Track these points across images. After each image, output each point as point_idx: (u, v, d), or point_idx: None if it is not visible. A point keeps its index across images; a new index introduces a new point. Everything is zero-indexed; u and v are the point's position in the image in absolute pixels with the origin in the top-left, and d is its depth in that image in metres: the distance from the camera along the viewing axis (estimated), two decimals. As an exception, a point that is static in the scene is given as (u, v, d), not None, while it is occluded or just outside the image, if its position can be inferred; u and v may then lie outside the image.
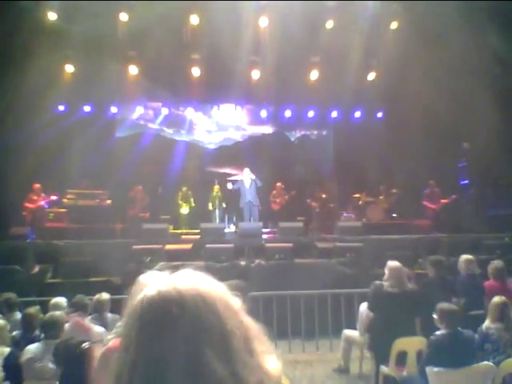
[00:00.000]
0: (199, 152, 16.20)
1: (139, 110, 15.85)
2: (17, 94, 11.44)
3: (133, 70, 13.58)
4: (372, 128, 15.21)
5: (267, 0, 12.30)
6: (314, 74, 14.28)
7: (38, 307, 5.19)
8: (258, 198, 12.71)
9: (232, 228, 13.16)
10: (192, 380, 0.83)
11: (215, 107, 16.10)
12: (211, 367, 0.84)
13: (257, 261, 9.32)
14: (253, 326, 0.95)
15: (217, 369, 0.84)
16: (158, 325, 0.86)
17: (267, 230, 12.66)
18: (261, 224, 11.49)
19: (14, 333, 4.90)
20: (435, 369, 4.31)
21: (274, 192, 13.57)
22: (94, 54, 12.00)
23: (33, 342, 4.34)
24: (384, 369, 5.20)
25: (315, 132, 17.18)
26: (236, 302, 0.96)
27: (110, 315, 5.51)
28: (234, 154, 15.99)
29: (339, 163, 15.57)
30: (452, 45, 11.35)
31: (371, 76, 14.43)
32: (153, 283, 0.94)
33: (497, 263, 6.33)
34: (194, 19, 12.64)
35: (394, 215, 13.45)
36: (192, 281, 0.93)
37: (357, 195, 13.97)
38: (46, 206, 12.00)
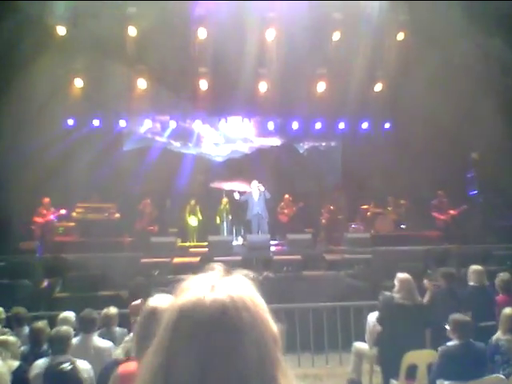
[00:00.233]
0: (206, 165, 16.21)
1: (147, 124, 15.91)
2: (26, 108, 11.58)
3: (141, 83, 13.68)
4: (380, 139, 15.19)
5: (274, 9, 12.36)
6: (321, 86, 14.30)
7: (45, 321, 5.18)
8: (267, 210, 12.68)
9: (240, 240, 13.14)
10: None
11: (222, 120, 16.14)
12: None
13: (265, 273, 9.28)
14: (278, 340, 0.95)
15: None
16: (212, 333, 0.86)
17: (275, 242, 12.62)
18: (269, 236, 11.47)
19: (23, 348, 4.89)
20: (446, 382, 4.26)
21: (282, 204, 13.55)
22: (102, 68, 12.11)
23: (41, 357, 4.29)
24: (394, 382, 5.14)
25: (323, 143, 17.16)
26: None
27: (118, 329, 5.50)
28: (241, 166, 15.98)
29: (347, 174, 15.53)
30: (459, 55, 11.36)
31: (378, 87, 14.42)
32: (200, 287, 0.93)
33: (503, 276, 6.27)
34: (202, 33, 12.74)
35: (403, 226, 13.38)
36: (240, 286, 0.94)
37: (365, 206, 13.91)
38: (55, 220, 12.05)
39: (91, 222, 12.09)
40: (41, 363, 4.13)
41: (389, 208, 13.40)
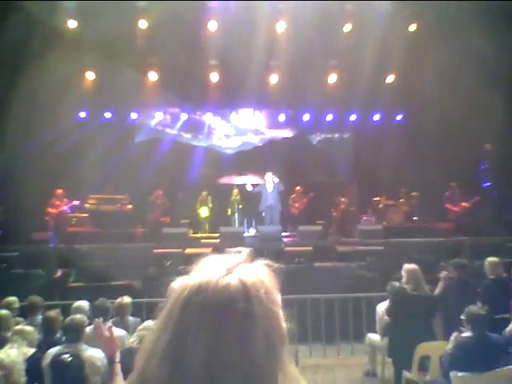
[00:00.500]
0: (217, 157, 16.22)
1: (159, 116, 15.98)
2: (39, 101, 11.66)
3: (152, 76, 13.72)
4: (391, 131, 15.11)
5: (285, 0, 12.30)
6: (333, 78, 14.24)
7: (58, 310, 5.23)
8: (280, 201, 12.68)
9: (251, 232, 13.16)
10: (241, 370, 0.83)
11: (233, 112, 16.14)
12: (260, 361, 0.84)
13: (276, 264, 9.30)
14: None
15: (264, 363, 0.84)
16: (221, 316, 0.84)
17: (287, 233, 12.63)
18: (280, 228, 11.48)
19: (36, 336, 4.95)
20: (459, 373, 4.25)
21: (294, 196, 13.53)
22: (114, 61, 12.14)
23: (54, 346, 4.32)
24: (407, 374, 5.14)
25: (336, 135, 17.10)
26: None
27: (131, 319, 5.55)
28: (252, 158, 15.98)
29: (359, 166, 15.46)
30: (471, 46, 11.23)
31: (390, 79, 14.32)
32: (214, 268, 0.91)
33: None
34: (212, 25, 12.73)
35: (415, 218, 13.30)
36: (257, 275, 0.91)
37: (377, 198, 13.86)
38: (69, 211, 12.17)
39: (104, 212, 12.17)
40: (54, 352, 4.17)
41: (401, 200, 13.33)
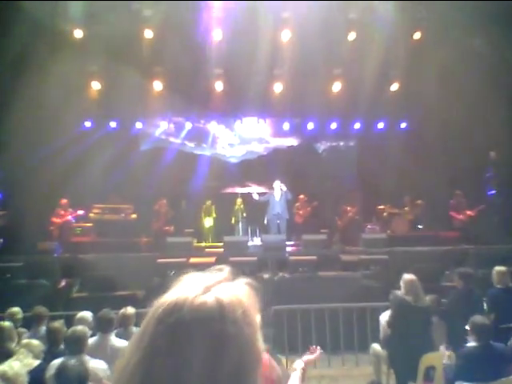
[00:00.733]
0: (221, 167, 16.25)
1: (163, 125, 16.04)
2: (44, 111, 11.71)
3: (157, 85, 13.78)
4: (396, 139, 15.09)
5: (289, 7, 12.33)
6: (337, 86, 14.25)
7: (62, 321, 5.23)
8: (287, 210, 12.66)
9: (256, 241, 13.14)
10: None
11: (238, 121, 16.17)
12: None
13: (280, 274, 9.28)
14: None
15: None
16: (193, 336, 0.82)
17: (291, 242, 12.60)
18: (284, 237, 11.44)
19: (42, 349, 4.94)
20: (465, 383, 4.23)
21: (297, 204, 13.51)
22: (119, 70, 12.20)
23: (58, 357, 4.30)
24: (412, 384, 5.11)
25: (342, 143, 17.10)
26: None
27: (135, 329, 5.52)
28: (256, 167, 15.99)
29: (363, 175, 15.42)
30: (475, 53, 11.23)
31: (394, 87, 14.32)
32: (192, 286, 0.89)
33: None
34: (217, 34, 12.79)
35: (420, 227, 13.25)
36: (235, 295, 0.89)
37: (381, 207, 13.82)
38: (73, 221, 12.19)
39: (108, 222, 12.21)
40: (57, 363, 4.16)
41: (405, 208, 13.29)
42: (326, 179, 15.49)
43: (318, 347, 3.16)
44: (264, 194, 13.07)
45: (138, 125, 15.56)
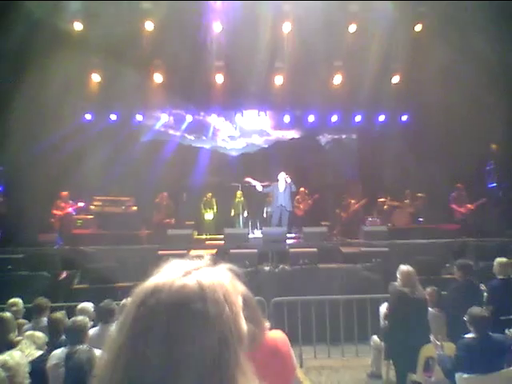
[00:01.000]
0: (222, 159, 16.23)
1: (164, 118, 16.02)
2: (44, 103, 11.70)
3: (157, 78, 13.75)
4: (397, 131, 15.07)
5: (289, 0, 12.28)
6: (338, 79, 14.21)
7: (63, 312, 5.25)
8: (291, 202, 12.64)
9: (256, 233, 13.15)
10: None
11: (238, 113, 16.14)
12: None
13: (281, 266, 9.30)
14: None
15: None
16: (173, 316, 0.84)
17: (291, 234, 12.60)
18: (285, 229, 11.44)
19: (45, 340, 4.96)
20: (464, 375, 4.24)
21: (298, 197, 13.49)
22: (119, 63, 12.17)
23: (59, 347, 4.33)
24: (412, 376, 5.13)
25: (344, 136, 17.08)
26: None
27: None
28: (257, 160, 15.97)
29: (364, 167, 15.42)
30: (476, 46, 11.18)
31: (395, 79, 14.28)
32: (174, 271, 0.92)
33: None
34: (217, 26, 12.75)
35: (420, 219, 13.27)
36: (216, 277, 0.92)
37: (382, 199, 13.83)
38: (74, 213, 12.21)
39: (109, 214, 12.22)
40: (58, 353, 4.18)
41: (406, 201, 13.29)
42: (328, 172, 15.48)
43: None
44: (268, 185, 13.00)
45: (139, 117, 15.55)
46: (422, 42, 12.69)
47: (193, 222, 13.32)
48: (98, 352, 4.13)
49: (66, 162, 12.52)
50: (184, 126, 16.24)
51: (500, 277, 6.18)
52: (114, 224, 11.63)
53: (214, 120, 16.40)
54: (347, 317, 7.52)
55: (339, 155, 16.39)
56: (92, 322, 5.20)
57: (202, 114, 16.32)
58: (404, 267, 5.35)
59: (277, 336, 2.53)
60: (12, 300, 5.95)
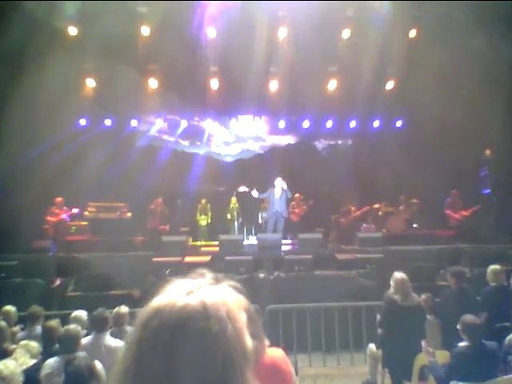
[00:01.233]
0: (217, 165, 16.21)
1: (159, 123, 16.01)
2: (39, 109, 11.66)
3: (152, 83, 13.74)
4: (391, 137, 15.09)
5: (285, 5, 12.31)
6: (332, 84, 14.25)
7: (57, 320, 5.21)
8: (287, 209, 12.60)
9: (251, 240, 13.13)
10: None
11: (233, 119, 16.14)
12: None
13: (276, 273, 9.28)
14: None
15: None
16: (176, 336, 0.85)
17: (286, 241, 12.58)
18: (280, 236, 11.42)
19: (40, 350, 4.93)
20: (459, 383, 4.23)
21: (293, 203, 13.48)
22: (114, 68, 12.16)
23: (53, 356, 4.30)
24: (407, 384, 5.12)
25: (340, 141, 17.09)
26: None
27: (129, 328, 5.50)
28: (252, 166, 15.95)
29: (358, 173, 15.42)
30: (471, 51, 11.24)
31: (390, 85, 14.32)
32: (177, 291, 0.93)
33: None
34: (212, 32, 12.77)
35: (415, 225, 13.27)
36: (219, 295, 0.92)
37: (376, 205, 13.82)
38: (68, 220, 12.14)
39: (103, 221, 12.16)
40: (51, 363, 4.16)
41: (401, 207, 13.30)
42: (323, 178, 15.47)
43: None
44: (264, 191, 12.96)
45: (134, 122, 15.52)
46: (416, 48, 12.74)
47: (187, 229, 13.28)
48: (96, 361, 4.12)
49: (61, 167, 12.44)
50: (179, 132, 16.22)
51: (493, 284, 6.18)
52: (108, 230, 11.58)
53: (208, 125, 16.39)
54: (342, 324, 7.48)
55: (335, 161, 16.37)
56: (85, 331, 5.18)
57: (196, 119, 16.32)
58: (398, 274, 5.33)
59: (276, 354, 2.49)
60: (5, 308, 5.91)
